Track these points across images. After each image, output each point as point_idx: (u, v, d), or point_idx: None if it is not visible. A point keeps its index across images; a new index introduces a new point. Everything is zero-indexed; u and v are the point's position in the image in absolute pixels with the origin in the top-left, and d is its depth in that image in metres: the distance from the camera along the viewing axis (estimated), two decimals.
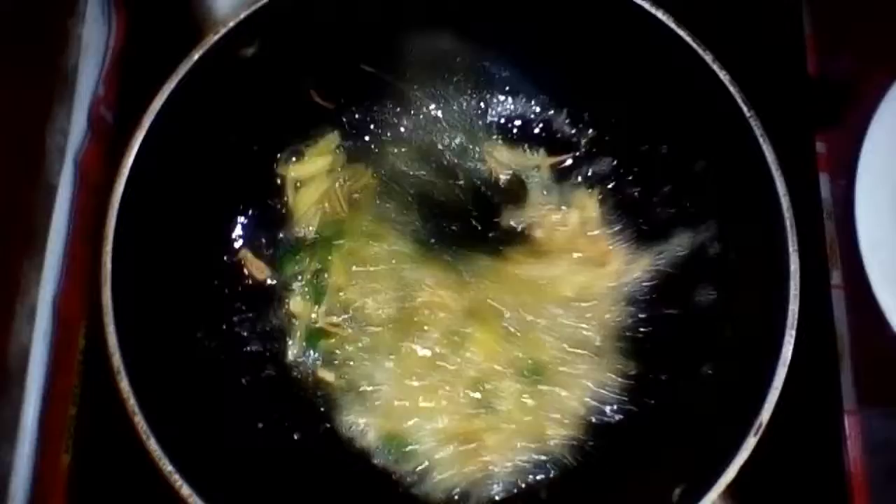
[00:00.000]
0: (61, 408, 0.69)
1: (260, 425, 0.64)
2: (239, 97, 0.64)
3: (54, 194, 0.72)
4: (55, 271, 0.71)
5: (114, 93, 0.77)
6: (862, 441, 0.72)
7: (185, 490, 0.52)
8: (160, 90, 0.58)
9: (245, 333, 0.67)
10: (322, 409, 0.66)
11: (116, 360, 0.53)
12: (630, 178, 0.71)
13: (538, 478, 0.64)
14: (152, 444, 0.52)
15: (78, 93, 0.75)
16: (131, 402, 0.53)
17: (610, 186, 0.71)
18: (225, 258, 0.68)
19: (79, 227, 0.72)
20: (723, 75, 0.60)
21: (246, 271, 0.68)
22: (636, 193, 0.70)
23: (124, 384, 0.53)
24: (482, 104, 0.72)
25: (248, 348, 0.66)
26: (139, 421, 0.52)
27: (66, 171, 0.73)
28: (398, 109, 0.72)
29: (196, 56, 0.59)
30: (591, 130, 0.72)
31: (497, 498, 0.64)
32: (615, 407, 0.66)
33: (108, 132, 0.76)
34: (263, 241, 0.69)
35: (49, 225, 0.71)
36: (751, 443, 0.54)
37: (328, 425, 0.65)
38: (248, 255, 0.69)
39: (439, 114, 0.72)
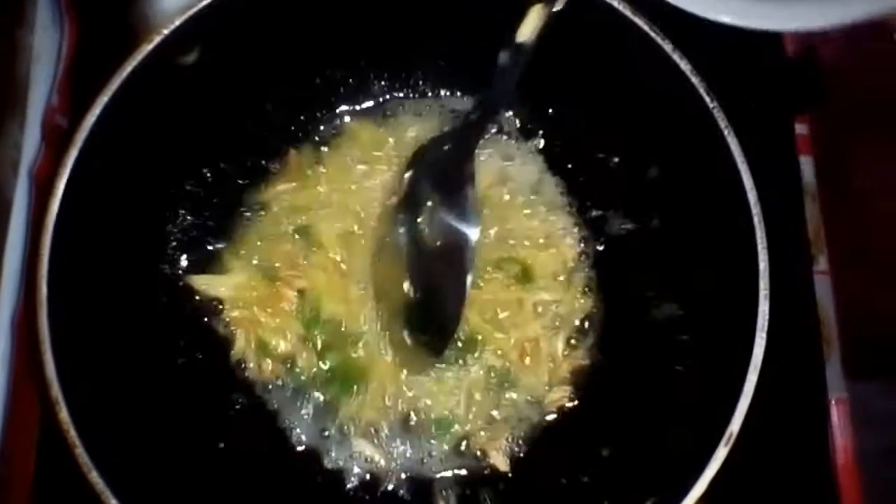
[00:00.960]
0: (25, 426, 0.67)
1: (221, 445, 0.62)
2: (184, 108, 0.61)
3: (9, 210, 0.70)
4: (12, 289, 0.69)
5: (68, 100, 0.74)
6: (852, 426, 0.70)
7: None
8: (92, 105, 0.55)
9: (192, 355, 0.64)
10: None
11: (55, 390, 0.51)
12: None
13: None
14: (94, 477, 0.50)
15: (30, 104, 0.73)
16: (71, 433, 0.50)
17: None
18: (168, 277, 0.65)
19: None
20: (683, 65, 0.56)
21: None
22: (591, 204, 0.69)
23: (63, 415, 0.51)
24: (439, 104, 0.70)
25: (196, 369, 0.64)
26: (80, 453, 0.50)
27: (20, 185, 0.71)
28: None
29: (129, 68, 0.56)
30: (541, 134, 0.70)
31: None
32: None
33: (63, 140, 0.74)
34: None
35: (4, 242, 0.69)
36: (721, 454, 0.52)
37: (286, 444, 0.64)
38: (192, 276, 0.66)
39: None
